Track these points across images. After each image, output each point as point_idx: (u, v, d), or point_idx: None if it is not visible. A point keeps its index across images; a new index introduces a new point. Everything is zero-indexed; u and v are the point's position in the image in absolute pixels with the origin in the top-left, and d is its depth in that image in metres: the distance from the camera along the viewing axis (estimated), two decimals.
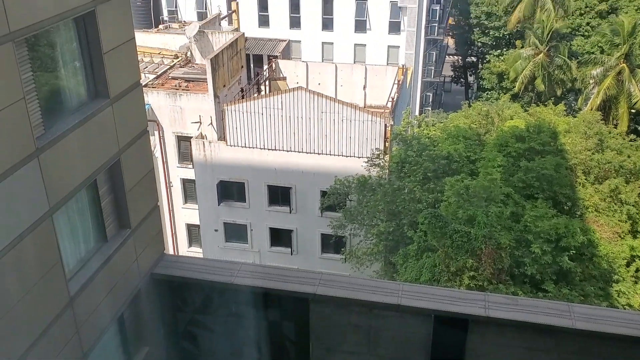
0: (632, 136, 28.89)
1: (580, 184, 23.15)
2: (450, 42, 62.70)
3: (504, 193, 19.57)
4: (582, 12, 51.39)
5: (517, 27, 50.31)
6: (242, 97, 30.06)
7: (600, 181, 23.14)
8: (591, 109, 36.99)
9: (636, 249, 21.40)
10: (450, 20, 58.57)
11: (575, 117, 30.84)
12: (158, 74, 31.07)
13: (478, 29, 54.56)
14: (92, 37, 11.03)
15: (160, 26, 38.42)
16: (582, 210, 22.23)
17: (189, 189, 31.04)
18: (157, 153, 29.40)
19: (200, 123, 28.74)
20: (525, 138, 23.20)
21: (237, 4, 40.59)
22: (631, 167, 23.38)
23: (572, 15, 50.51)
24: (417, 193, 20.84)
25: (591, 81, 40.38)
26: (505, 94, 44.67)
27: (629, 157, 24.19)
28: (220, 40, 32.14)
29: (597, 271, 19.55)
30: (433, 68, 46.05)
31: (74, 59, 11.13)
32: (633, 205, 22.18)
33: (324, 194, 26.40)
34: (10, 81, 8.78)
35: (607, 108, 38.59)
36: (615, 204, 22.29)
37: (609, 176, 23.14)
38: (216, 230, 30.21)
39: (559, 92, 44.14)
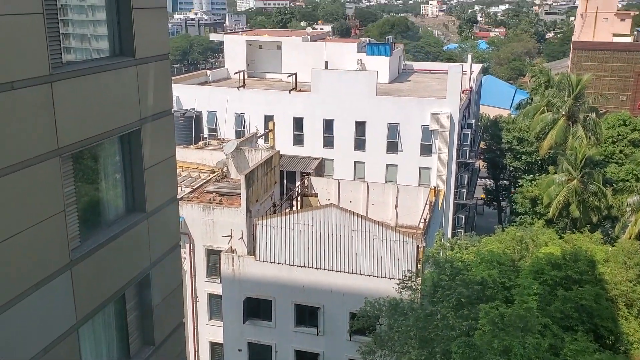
0: None
1: (622, 317, 22.13)
2: (482, 165, 63.36)
3: (541, 323, 18.79)
4: (614, 140, 51.95)
5: (549, 153, 50.84)
6: (274, 212, 30.34)
7: None
8: (629, 238, 36.20)
9: None
10: (482, 144, 59.54)
11: (613, 245, 30.14)
12: (194, 187, 31.85)
13: (510, 153, 55.23)
14: (135, 154, 11.45)
15: (200, 142, 39.87)
16: (626, 346, 21.08)
17: (215, 305, 30.61)
18: (186, 266, 29.44)
19: (231, 237, 28.90)
20: (562, 266, 22.63)
21: (274, 123, 42.20)
22: None
23: (605, 142, 51.05)
24: (451, 319, 20.11)
25: (628, 209, 39.88)
26: (539, 219, 44.15)
27: None
28: (256, 157, 33.08)
29: None
30: (465, 190, 46.15)
31: (115, 174, 11.48)
32: None
33: (353, 316, 25.65)
34: (53, 194, 9.03)
35: None
36: None
37: None
38: (240, 350, 29.33)
39: (594, 219, 43.54)
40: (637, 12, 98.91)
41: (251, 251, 28.63)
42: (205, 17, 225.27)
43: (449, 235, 41.75)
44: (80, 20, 10.30)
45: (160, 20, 11.72)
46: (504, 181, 61.22)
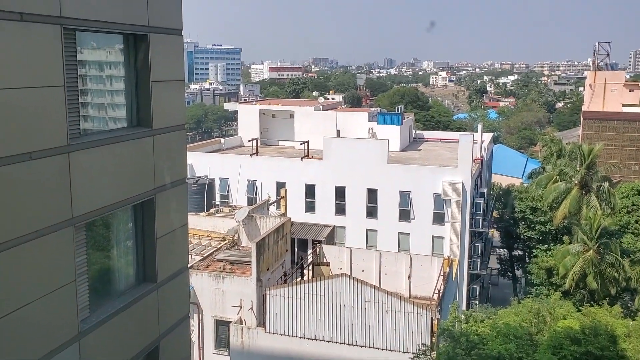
0: None
1: None
2: (496, 234, 62.79)
3: None
4: (629, 209, 51.48)
5: (563, 222, 50.33)
6: (285, 282, 30.00)
7: None
8: None
9: None
10: (495, 214, 59.21)
11: (634, 319, 29.29)
12: (204, 255, 31.69)
13: (523, 222, 54.76)
14: (148, 223, 11.44)
15: (212, 210, 40.00)
16: None
17: None
18: (195, 337, 28.87)
19: (241, 307, 28.47)
20: (582, 341, 21.93)
21: (286, 190, 42.33)
22: None
23: (619, 212, 50.57)
24: None
25: None
26: (555, 290, 43.23)
27: None
28: (267, 224, 33.03)
29: None
30: (479, 260, 45.58)
31: (127, 242, 11.45)
32: None
33: None
34: (65, 264, 8.97)
35: None
36: None
37: None
38: None
39: (612, 291, 42.53)
40: None
41: (261, 322, 28.12)
42: (220, 87, 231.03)
43: (464, 307, 40.93)
44: (99, 90, 10.56)
45: (178, 92, 11.99)
46: (518, 251, 60.43)
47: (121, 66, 10.79)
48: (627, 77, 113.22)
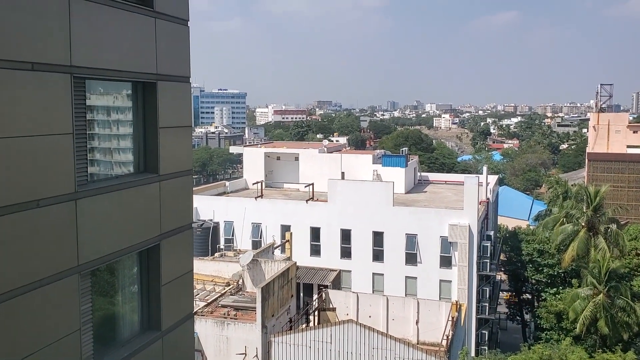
0: None
1: None
2: (504, 277, 62.18)
3: None
4: (639, 252, 51.02)
5: (572, 265, 49.83)
6: (290, 328, 29.60)
7: None
8: None
9: None
10: (502, 256, 58.73)
11: None
12: (208, 301, 31.38)
13: (531, 265, 54.27)
14: (153, 269, 11.36)
15: (216, 254, 39.83)
16: None
17: None
18: None
19: (246, 355, 28.02)
20: None
21: (291, 233, 42.25)
22: None
23: (628, 255, 50.09)
24: None
25: None
26: (565, 335, 42.54)
27: None
28: (272, 268, 32.80)
29: None
30: (487, 305, 44.98)
31: (132, 289, 11.35)
32: None
33: None
34: (70, 312, 8.86)
35: None
36: None
37: None
38: None
39: (625, 336, 41.71)
40: None
41: None
42: (226, 130, 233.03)
43: (473, 353, 40.21)
44: (107, 135, 10.62)
45: (185, 138, 12.06)
46: (527, 295, 59.71)
47: (129, 112, 10.89)
48: (630, 118, 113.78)
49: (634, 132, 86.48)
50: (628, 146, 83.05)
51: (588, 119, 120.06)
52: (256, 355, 27.86)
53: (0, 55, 7.51)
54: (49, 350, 8.36)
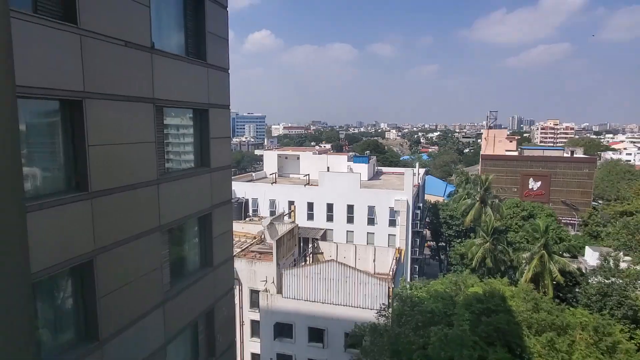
0: (557, 301, 26.84)
1: (526, 335, 20.96)
2: (428, 232, 62.57)
3: (472, 340, 17.81)
4: (511, 216, 51.51)
5: (470, 225, 50.32)
6: (294, 265, 29.69)
7: (539, 334, 20.97)
8: (525, 281, 35.03)
9: None
10: (427, 219, 59.09)
11: (516, 286, 29.14)
12: (242, 248, 31.36)
13: (445, 225, 54.71)
14: (207, 228, 11.38)
15: (247, 219, 39.69)
16: (529, 355, 19.82)
17: (255, 327, 29.35)
18: (237, 301, 28.43)
19: (266, 281, 28.15)
20: (483, 300, 21.71)
21: (295, 206, 42.23)
22: (560, 324, 21.28)
23: (505, 218, 50.59)
24: (412, 337, 19.13)
25: (523, 262, 38.86)
26: (466, 268, 43.01)
27: (557, 316, 22.17)
28: (282, 228, 32.81)
29: None
30: (417, 249, 45.29)
31: (195, 241, 11.40)
32: (565, 353, 19.73)
33: (347, 335, 24.55)
34: (155, 256, 8.88)
35: (537, 281, 36.52)
36: (552, 351, 19.89)
37: (545, 330, 21.01)
38: (271, 359, 27.82)
39: (502, 268, 42.37)
40: (518, 137, 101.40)
41: (279, 291, 27.80)
42: (252, 139, 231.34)
43: (409, 279, 40.56)
44: (177, 143, 10.61)
45: (226, 145, 12.07)
46: (442, 243, 60.23)
47: (191, 128, 10.89)
48: (508, 133, 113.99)
49: (510, 142, 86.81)
50: (506, 150, 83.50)
51: (482, 133, 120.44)
52: (273, 281, 27.98)
53: (118, 92, 7.55)
54: (143, 278, 8.43)
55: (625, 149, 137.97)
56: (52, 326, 7.02)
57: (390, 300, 24.99)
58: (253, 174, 55.91)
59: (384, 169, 64.34)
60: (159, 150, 8.97)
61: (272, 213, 44.06)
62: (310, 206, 45.14)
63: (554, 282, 36.45)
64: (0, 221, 2.16)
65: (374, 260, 32.84)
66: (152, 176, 8.65)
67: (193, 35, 10.27)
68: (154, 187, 8.75)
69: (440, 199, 70.68)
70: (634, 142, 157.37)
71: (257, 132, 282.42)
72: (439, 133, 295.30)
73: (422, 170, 59.69)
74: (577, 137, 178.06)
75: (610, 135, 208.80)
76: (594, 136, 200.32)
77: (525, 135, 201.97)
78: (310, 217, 45.02)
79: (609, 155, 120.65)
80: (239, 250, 31.05)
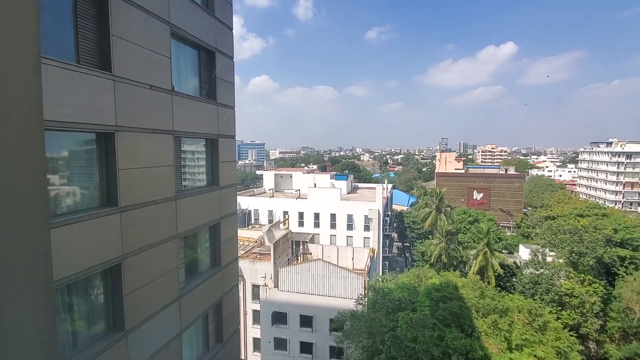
0: (499, 289, 27.02)
1: (475, 317, 20.99)
2: (395, 235, 62.67)
3: (432, 322, 17.74)
4: (460, 220, 52.08)
5: (429, 228, 50.65)
6: (288, 264, 29.33)
7: (485, 316, 21.02)
8: (473, 273, 35.25)
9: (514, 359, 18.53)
10: (394, 225, 59.29)
11: (466, 278, 29.27)
12: (245, 250, 30.88)
13: (409, 229, 54.92)
14: (217, 235, 11.22)
15: (249, 226, 39.20)
16: (478, 334, 19.80)
17: (256, 316, 28.69)
18: (241, 294, 27.82)
19: (265, 277, 27.69)
20: (441, 290, 21.72)
21: (288, 215, 41.94)
22: (501, 308, 21.39)
23: (456, 222, 51.13)
24: (383, 321, 18.95)
25: (471, 257, 39.17)
26: (426, 263, 43.09)
27: (499, 302, 22.29)
28: (278, 233, 32.52)
29: None
30: (387, 249, 45.24)
31: (206, 246, 11.20)
32: (506, 331, 19.78)
33: (331, 320, 24.17)
34: (173, 258, 8.72)
35: (482, 273, 36.79)
36: (496, 330, 19.93)
37: (490, 313, 21.07)
38: (269, 342, 27.14)
39: (455, 263, 42.58)
40: (464, 158, 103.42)
41: (276, 285, 27.35)
42: (254, 162, 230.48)
43: (380, 274, 40.39)
44: (192, 165, 10.54)
45: (232, 167, 12.03)
46: (407, 243, 60.35)
47: (203, 154, 10.85)
48: (456, 155, 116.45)
49: (458, 162, 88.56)
50: (455, 168, 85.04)
51: (436, 155, 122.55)
52: (271, 277, 27.54)
53: (144, 125, 7.50)
54: (163, 278, 8.24)
55: (547, 167, 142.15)
56: (87, 318, 6.80)
57: (365, 291, 24.81)
58: (255, 190, 55.52)
59: (360, 185, 64.62)
60: (177, 172, 8.91)
61: (270, 221, 43.66)
62: (301, 215, 44.91)
63: (496, 274, 36.78)
64: (27, 236, 2.10)
65: (353, 259, 32.69)
66: (171, 193, 8.57)
67: (206, 80, 10.35)
68: (173, 202, 8.65)
69: (405, 208, 71.12)
70: (553, 162, 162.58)
71: (258, 156, 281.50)
72: (402, 156, 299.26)
73: (389, 186, 60.19)
74: (509, 158, 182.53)
75: (535, 156, 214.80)
76: (523, 157, 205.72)
77: (469, 156, 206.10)
78: (301, 224, 44.73)
79: (534, 172, 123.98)
80: (243, 252, 30.58)
